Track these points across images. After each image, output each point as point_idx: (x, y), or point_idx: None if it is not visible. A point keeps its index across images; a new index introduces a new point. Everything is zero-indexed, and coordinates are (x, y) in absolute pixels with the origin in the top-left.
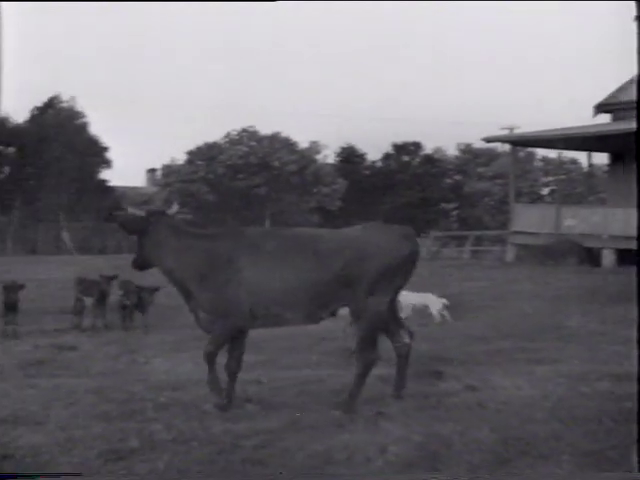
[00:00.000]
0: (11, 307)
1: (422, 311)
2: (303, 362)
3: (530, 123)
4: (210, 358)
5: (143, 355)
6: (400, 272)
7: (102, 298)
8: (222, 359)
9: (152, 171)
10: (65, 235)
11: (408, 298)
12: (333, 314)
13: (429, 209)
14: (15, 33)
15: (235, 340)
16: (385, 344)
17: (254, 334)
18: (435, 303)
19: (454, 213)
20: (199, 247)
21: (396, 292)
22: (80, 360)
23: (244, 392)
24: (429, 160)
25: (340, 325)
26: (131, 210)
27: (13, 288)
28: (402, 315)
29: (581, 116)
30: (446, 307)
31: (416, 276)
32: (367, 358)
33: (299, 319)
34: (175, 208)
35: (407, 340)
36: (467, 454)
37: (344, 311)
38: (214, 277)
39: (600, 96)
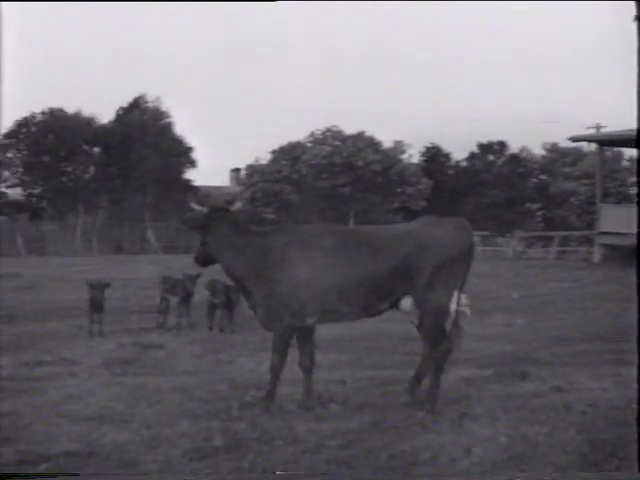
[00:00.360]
0: (97, 306)
1: None
2: (388, 362)
3: (618, 122)
4: (275, 371)
5: (228, 354)
6: (459, 264)
7: (187, 297)
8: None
9: (236, 171)
10: (150, 234)
11: None
12: (392, 307)
13: (514, 209)
14: (101, 35)
15: (303, 337)
16: (473, 345)
17: (338, 334)
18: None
19: (539, 213)
20: (255, 244)
21: (457, 286)
22: (165, 359)
23: (328, 392)
24: (514, 159)
25: None
26: (194, 206)
27: (99, 286)
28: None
29: None
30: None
31: (500, 276)
32: (438, 352)
33: (356, 313)
34: (238, 205)
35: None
36: (553, 456)
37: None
38: (267, 274)
39: None
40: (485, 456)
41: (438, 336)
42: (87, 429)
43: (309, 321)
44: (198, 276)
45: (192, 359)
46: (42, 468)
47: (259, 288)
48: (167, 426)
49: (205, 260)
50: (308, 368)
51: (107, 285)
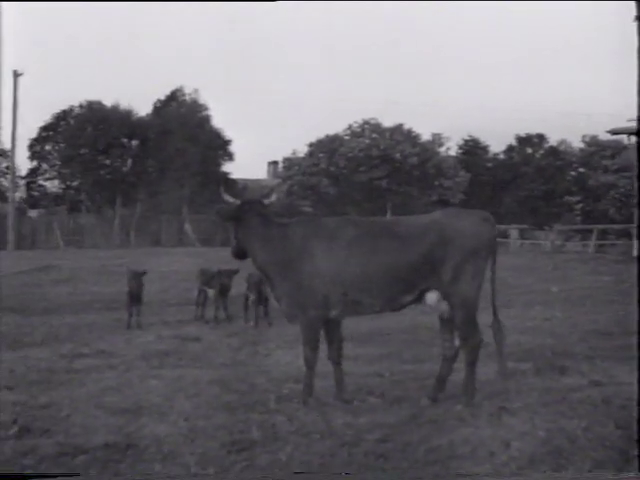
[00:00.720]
0: (135, 295)
1: None
2: (426, 355)
3: None
4: (309, 364)
5: (265, 347)
6: (483, 256)
7: (224, 290)
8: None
9: (274, 163)
10: (187, 227)
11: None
12: (416, 301)
13: (552, 202)
14: (139, 28)
15: (330, 330)
16: (512, 338)
17: (376, 327)
18: None
19: (578, 206)
20: (278, 236)
21: (482, 277)
22: (203, 351)
23: (366, 385)
24: (553, 152)
25: None
26: (226, 199)
27: (137, 274)
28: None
29: None
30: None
31: (539, 270)
32: (471, 344)
33: (379, 305)
34: (273, 198)
35: (457, 343)
36: (592, 450)
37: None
38: (290, 266)
39: None
40: (523, 450)
41: (470, 329)
42: (125, 421)
43: (333, 313)
44: (236, 271)
45: (230, 352)
46: (80, 460)
47: (282, 280)
48: (205, 418)
49: (239, 253)
50: (337, 360)
51: (144, 273)
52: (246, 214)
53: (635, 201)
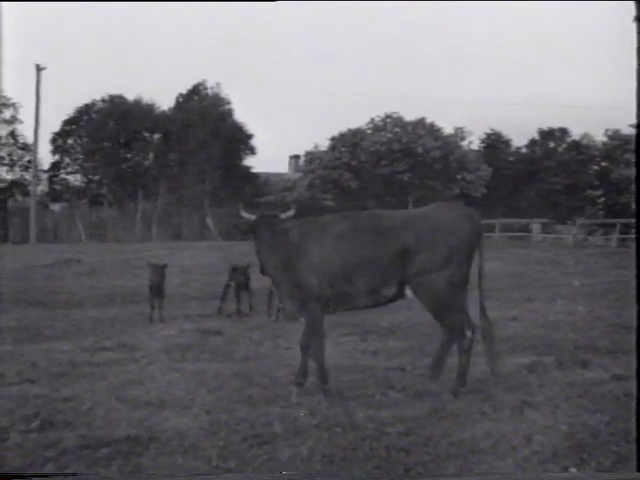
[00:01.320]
0: (157, 290)
1: None
2: None
3: None
4: (318, 355)
5: (286, 340)
6: (459, 251)
7: (240, 285)
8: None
9: (295, 157)
10: (209, 221)
11: None
12: (400, 296)
13: (575, 196)
14: (162, 19)
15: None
16: (535, 332)
17: (398, 321)
18: None
19: (600, 200)
20: (281, 241)
21: (460, 273)
22: (225, 345)
23: (387, 379)
24: (576, 146)
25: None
26: (243, 214)
27: (158, 268)
28: None
29: None
30: None
31: (561, 264)
32: (451, 323)
33: (363, 297)
34: (291, 212)
35: (469, 334)
36: (614, 445)
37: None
38: (291, 266)
39: None
40: (546, 444)
41: (447, 315)
42: (147, 414)
43: (330, 307)
44: (248, 266)
45: (251, 345)
46: (102, 453)
47: (285, 280)
48: (226, 412)
49: (260, 268)
50: (308, 345)
51: (165, 266)
52: (260, 228)
53: None
